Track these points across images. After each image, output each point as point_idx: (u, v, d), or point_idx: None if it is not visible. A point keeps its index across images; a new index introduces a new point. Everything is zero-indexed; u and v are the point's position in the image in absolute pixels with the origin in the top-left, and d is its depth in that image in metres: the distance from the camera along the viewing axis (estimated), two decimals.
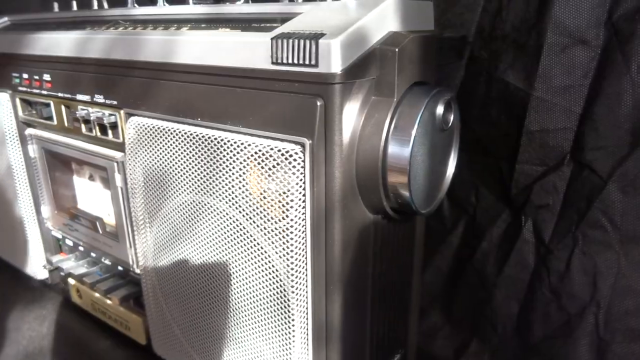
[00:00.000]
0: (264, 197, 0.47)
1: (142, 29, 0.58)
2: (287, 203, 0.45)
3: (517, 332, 0.67)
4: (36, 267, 0.85)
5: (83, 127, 0.66)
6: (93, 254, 0.77)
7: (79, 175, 0.77)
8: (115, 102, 0.59)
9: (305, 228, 0.46)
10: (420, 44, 0.47)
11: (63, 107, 0.68)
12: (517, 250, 0.66)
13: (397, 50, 0.44)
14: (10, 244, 0.89)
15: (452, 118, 0.51)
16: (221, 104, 0.49)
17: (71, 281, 0.83)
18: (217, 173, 0.50)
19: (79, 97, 0.64)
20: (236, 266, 0.52)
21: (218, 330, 0.57)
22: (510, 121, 0.65)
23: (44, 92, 0.70)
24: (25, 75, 0.72)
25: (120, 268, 0.72)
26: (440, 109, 0.48)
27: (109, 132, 0.62)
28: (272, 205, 0.47)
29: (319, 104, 0.42)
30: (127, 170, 0.59)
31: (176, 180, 0.54)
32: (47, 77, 0.69)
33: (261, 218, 0.48)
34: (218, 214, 0.51)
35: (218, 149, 0.49)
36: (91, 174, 0.76)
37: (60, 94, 0.67)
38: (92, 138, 0.65)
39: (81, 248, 0.79)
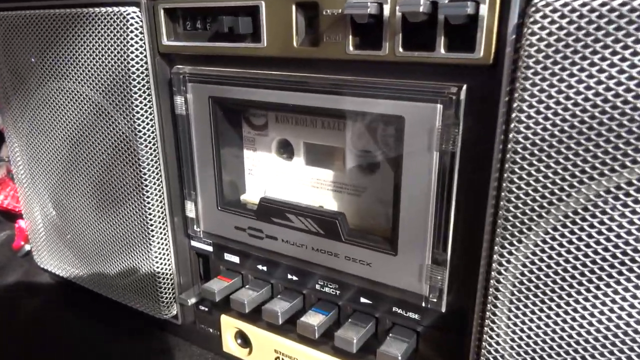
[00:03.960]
0: None
1: None
2: None
3: None
4: (165, 299, 0.52)
5: (350, 42, 0.35)
6: (293, 277, 0.46)
7: (269, 147, 0.46)
8: None
9: None
10: None
11: (294, 11, 0.37)
12: None
13: None
14: (111, 268, 0.56)
15: None
16: None
17: (227, 320, 0.51)
18: None
19: None
20: None
21: None
22: None
23: None
24: None
25: (365, 300, 0.42)
26: None
27: (439, 44, 0.32)
28: None
29: None
30: (523, 108, 0.29)
31: None
32: None
33: None
34: None
35: None
36: (285, 143, 0.45)
37: None
38: (369, 62, 0.35)
39: (262, 267, 0.47)
